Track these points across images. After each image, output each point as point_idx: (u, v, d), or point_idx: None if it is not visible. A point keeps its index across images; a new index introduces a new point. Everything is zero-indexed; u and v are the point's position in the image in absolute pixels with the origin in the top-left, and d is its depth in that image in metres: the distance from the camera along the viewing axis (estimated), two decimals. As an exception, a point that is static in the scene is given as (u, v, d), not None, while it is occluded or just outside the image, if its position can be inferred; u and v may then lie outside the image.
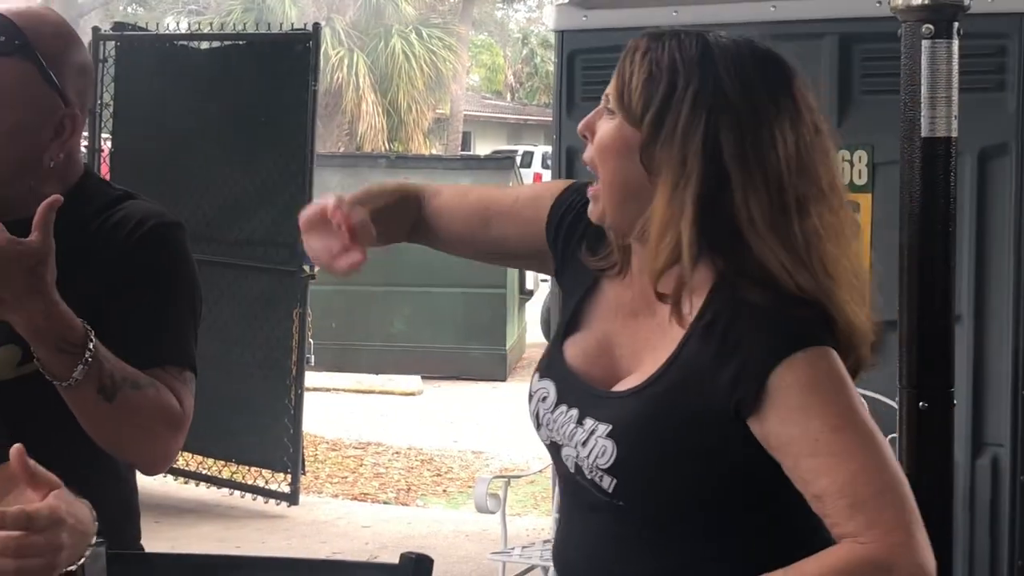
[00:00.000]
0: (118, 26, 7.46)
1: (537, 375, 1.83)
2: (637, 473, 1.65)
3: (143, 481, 6.31)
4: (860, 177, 4.62)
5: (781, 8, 4.54)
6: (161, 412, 2.03)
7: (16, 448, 1.61)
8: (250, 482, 7.10)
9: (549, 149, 14.69)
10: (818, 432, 1.54)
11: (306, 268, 6.70)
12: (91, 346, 1.94)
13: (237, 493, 7.12)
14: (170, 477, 7.25)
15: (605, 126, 1.68)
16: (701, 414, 1.61)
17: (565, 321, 1.83)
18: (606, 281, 1.80)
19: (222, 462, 7.15)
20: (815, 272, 1.61)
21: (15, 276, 1.87)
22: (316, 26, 6.89)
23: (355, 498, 7.64)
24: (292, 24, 19.96)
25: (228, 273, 6.92)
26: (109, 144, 7.33)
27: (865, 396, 4.65)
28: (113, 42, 7.27)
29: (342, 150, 19.94)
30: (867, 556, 1.50)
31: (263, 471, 7.03)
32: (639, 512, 1.70)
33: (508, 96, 37.52)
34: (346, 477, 8.15)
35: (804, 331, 1.58)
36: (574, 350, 1.79)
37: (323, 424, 9.20)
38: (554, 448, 1.78)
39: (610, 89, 1.68)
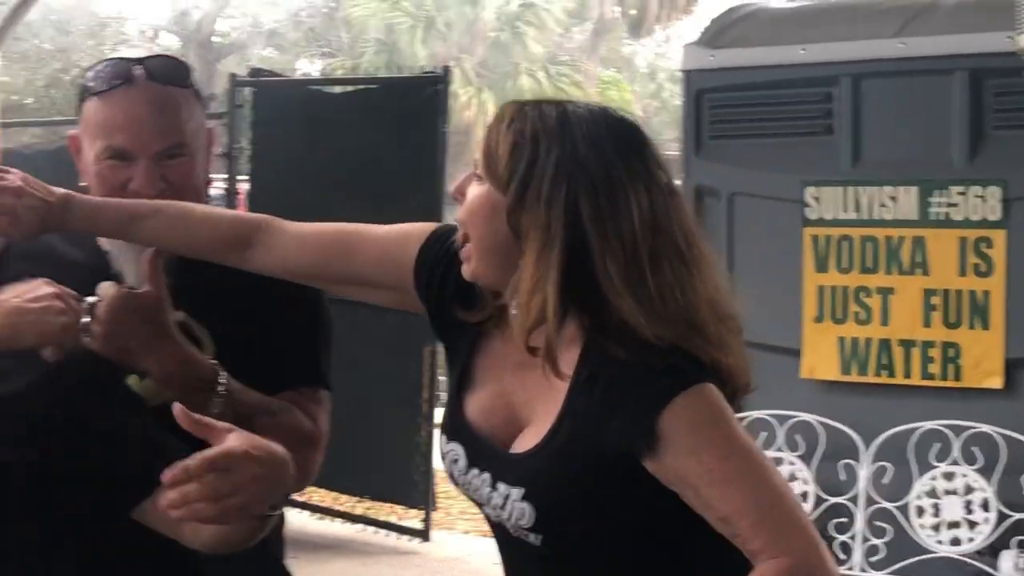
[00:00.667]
0: (254, 72, 7.66)
1: (444, 437, 1.87)
2: (558, 526, 1.73)
3: (280, 517, 6.31)
4: (993, 213, 4.56)
5: (911, 45, 4.51)
6: (296, 435, 2.09)
7: (177, 407, 1.73)
8: (383, 518, 7.19)
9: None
10: (709, 463, 1.64)
11: (438, 309, 6.78)
12: (222, 381, 2.03)
13: (371, 529, 7.22)
14: (306, 513, 7.38)
15: (474, 190, 1.74)
16: (599, 462, 1.68)
17: (457, 378, 1.87)
18: (488, 335, 1.85)
19: (356, 498, 7.25)
20: (672, 322, 1.68)
21: (138, 326, 1.97)
22: (446, 68, 7.00)
23: (486, 534, 7.61)
24: (422, 64, 20.30)
25: (361, 311, 7.00)
26: (247, 186, 7.51)
27: (1003, 433, 4.58)
28: (249, 88, 7.46)
29: (471, 188, 20.13)
30: (787, 567, 1.60)
31: (396, 507, 7.12)
32: (568, 558, 1.78)
33: (636, 131, 37.41)
34: (477, 513, 8.16)
35: (678, 376, 1.66)
36: (473, 407, 1.83)
37: (454, 461, 9.26)
38: (477, 504, 1.83)
39: (478, 156, 1.75)
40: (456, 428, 1.84)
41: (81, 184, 2.27)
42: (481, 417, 1.83)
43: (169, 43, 25.57)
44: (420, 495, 6.99)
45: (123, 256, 2.17)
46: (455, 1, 21.63)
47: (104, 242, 2.29)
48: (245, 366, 2.12)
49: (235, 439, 1.68)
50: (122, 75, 2.15)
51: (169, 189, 2.15)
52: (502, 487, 1.75)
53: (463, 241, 1.77)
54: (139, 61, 2.18)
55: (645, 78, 36.51)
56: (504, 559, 1.93)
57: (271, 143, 7.43)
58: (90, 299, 2.00)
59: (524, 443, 1.76)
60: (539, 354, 1.71)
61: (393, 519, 7.15)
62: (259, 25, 24.51)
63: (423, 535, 7.03)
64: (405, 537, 7.06)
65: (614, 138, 1.74)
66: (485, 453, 1.80)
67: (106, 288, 2.02)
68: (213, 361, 2.06)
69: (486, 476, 1.78)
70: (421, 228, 1.92)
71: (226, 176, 7.43)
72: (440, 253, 1.88)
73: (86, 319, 1.99)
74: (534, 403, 1.77)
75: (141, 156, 2.13)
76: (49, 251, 2.29)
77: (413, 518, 7.09)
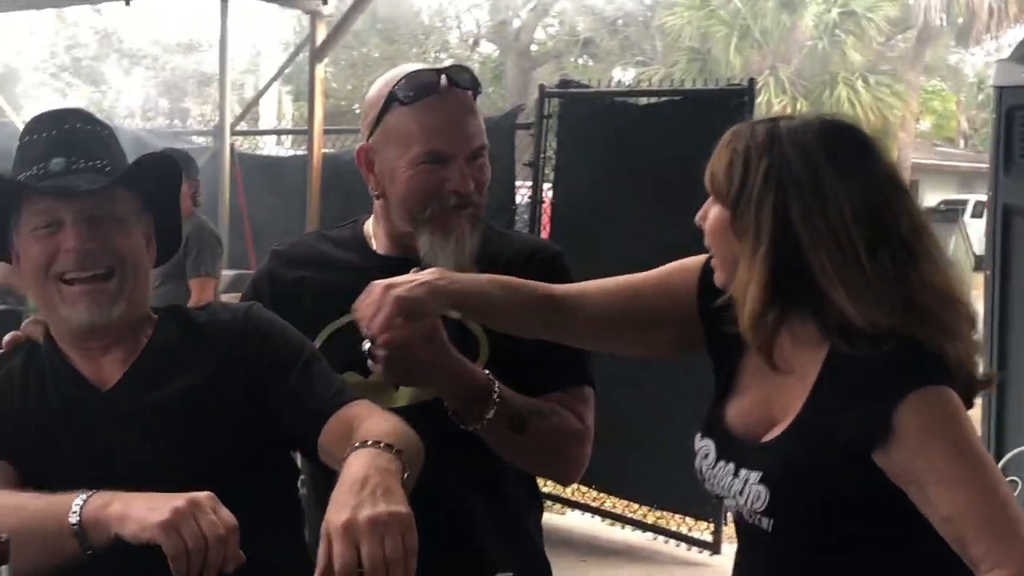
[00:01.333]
0: (563, 83, 7.80)
1: (699, 434, 2.04)
2: (789, 512, 1.86)
3: (572, 522, 6.58)
4: None
5: None
6: (565, 434, 2.26)
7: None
8: (674, 528, 7.21)
9: (982, 197, 14.06)
10: (939, 462, 1.74)
11: (734, 318, 6.75)
12: (496, 391, 2.14)
13: (661, 538, 7.24)
14: (598, 518, 7.47)
15: (712, 210, 1.94)
16: (833, 452, 1.80)
17: (722, 385, 2.04)
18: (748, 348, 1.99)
19: (647, 507, 7.29)
20: (890, 308, 1.80)
21: (421, 349, 2.08)
22: (751, 81, 6.95)
23: (778, 551, 7.58)
24: (736, 72, 20.15)
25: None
26: (550, 195, 7.65)
27: None
28: (557, 99, 7.60)
29: (782, 199, 19.89)
30: None
31: (687, 518, 7.13)
32: (796, 547, 1.89)
33: (961, 143, 36.16)
34: (770, 529, 8.10)
35: (918, 372, 1.77)
36: (732, 410, 2.00)
37: (750, 475, 9.19)
38: (719, 499, 2.00)
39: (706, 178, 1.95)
40: (711, 426, 2.03)
41: (373, 193, 2.41)
42: (738, 418, 1.99)
43: (488, 51, 26.25)
44: (712, 507, 6.97)
45: (439, 255, 2.30)
46: (772, 9, 21.40)
47: (375, 243, 2.42)
48: (515, 369, 2.22)
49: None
50: (431, 83, 2.30)
51: (476, 188, 2.30)
52: (743, 472, 1.91)
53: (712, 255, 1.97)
54: (437, 71, 2.32)
55: (972, 88, 35.13)
56: (738, 556, 2.06)
57: (577, 154, 7.54)
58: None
59: (770, 435, 1.92)
60: (762, 353, 1.89)
61: (683, 530, 7.15)
62: (576, 34, 24.88)
63: (713, 548, 7.01)
64: (695, 548, 7.05)
65: (822, 141, 1.89)
66: (733, 446, 1.96)
67: None
68: (486, 372, 2.17)
69: (730, 466, 1.94)
70: (696, 258, 2.12)
71: (531, 184, 7.59)
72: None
73: (367, 344, 2.11)
74: (788, 404, 1.91)
75: (456, 158, 2.28)
76: (321, 255, 2.44)
77: (703, 530, 7.07)
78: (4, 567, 1.20)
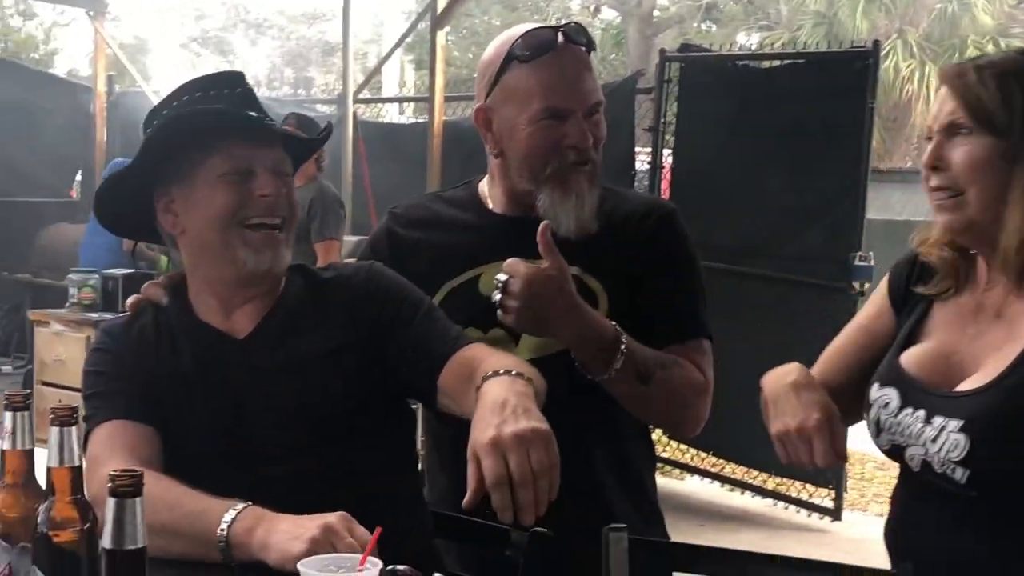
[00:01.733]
0: (683, 47, 7.76)
1: (876, 384, 2.02)
2: (990, 463, 1.82)
3: (691, 487, 6.60)
4: None
5: None
6: (688, 385, 2.31)
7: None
8: (793, 494, 7.18)
9: None
10: None
11: (855, 285, 6.68)
12: (623, 343, 2.18)
13: (780, 504, 7.22)
14: (716, 484, 7.47)
15: (963, 148, 1.88)
16: None
17: (903, 339, 2.04)
18: (938, 303, 2.02)
19: (766, 473, 7.27)
20: None
21: (551, 298, 2.13)
22: (876, 43, 6.85)
23: (901, 519, 7.51)
24: (863, 36, 19.79)
25: (778, 288, 7.04)
26: (671, 160, 7.63)
27: None
28: (678, 63, 7.57)
29: (909, 165, 19.53)
30: None
31: (807, 484, 7.09)
32: (991, 501, 1.84)
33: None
34: (892, 497, 8.02)
35: None
36: (909, 360, 1.98)
37: (871, 442, 9.07)
38: (896, 450, 1.97)
39: (957, 114, 1.88)
40: (891, 375, 2.02)
41: (491, 152, 2.45)
42: (917, 367, 1.99)
43: (609, 18, 26.11)
44: (832, 473, 6.93)
45: (560, 212, 2.35)
46: (900, -29, 20.98)
47: (491, 203, 2.46)
48: (633, 323, 2.26)
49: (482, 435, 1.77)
50: (548, 41, 2.34)
51: (594, 144, 2.34)
52: (938, 420, 1.89)
53: (952, 194, 1.92)
54: (554, 29, 2.36)
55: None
56: (904, 511, 2.05)
57: (697, 118, 7.50)
58: (501, 277, 2.17)
59: (969, 385, 1.90)
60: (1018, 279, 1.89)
61: (804, 496, 7.12)
62: (698, -1, 24.63)
63: (834, 514, 6.97)
64: (815, 515, 7.02)
65: None
66: (920, 394, 1.96)
67: (515, 265, 2.19)
68: (613, 324, 2.21)
69: (920, 413, 1.93)
70: (877, 294, 2.19)
71: (651, 150, 7.58)
72: (905, 267, 2.14)
73: (498, 296, 2.17)
74: (982, 358, 1.91)
75: (574, 113, 2.32)
76: (436, 215, 2.49)
77: (824, 496, 7.03)
78: (138, 499, 1.26)
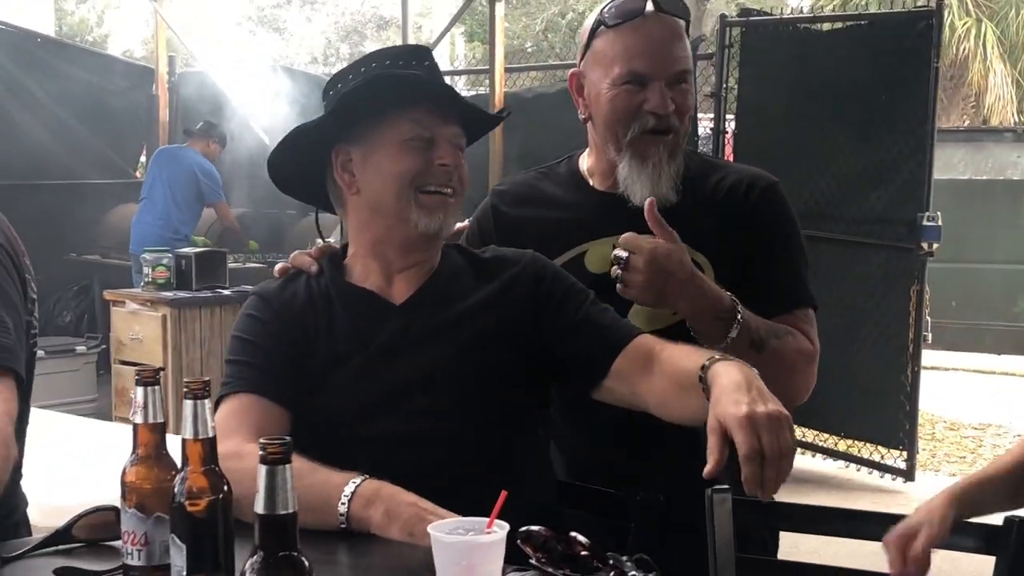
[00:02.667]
0: (743, 12, 7.74)
1: None
2: None
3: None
4: None
5: None
6: (800, 353, 2.35)
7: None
8: (866, 456, 7.19)
9: None
10: None
11: (924, 245, 6.68)
12: (739, 311, 2.23)
13: (853, 466, 7.23)
14: (787, 447, 7.49)
15: None
16: None
17: None
18: None
19: (838, 436, 7.28)
20: None
21: (672, 272, 2.17)
22: (939, 2, 6.81)
23: (973, 478, 7.50)
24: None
25: (846, 250, 7.03)
26: (733, 126, 7.62)
27: None
28: (738, 28, 7.56)
29: (967, 124, 19.34)
30: None
31: (879, 447, 7.10)
32: None
33: None
34: (964, 457, 8.01)
35: None
36: None
37: (941, 403, 9.08)
38: None
39: None
40: None
41: (582, 117, 2.50)
42: None
43: (661, -16, 25.96)
44: (905, 435, 6.94)
45: (635, 181, 2.39)
46: (955, -73, 20.71)
47: (592, 179, 2.50)
48: (742, 293, 2.30)
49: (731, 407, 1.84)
50: (637, 8, 2.38)
51: (676, 113, 2.37)
52: None
53: None
54: None
55: None
56: None
57: (759, 83, 7.49)
58: (620, 253, 2.22)
59: None
60: None
61: (876, 458, 7.13)
62: (750, -38, 24.42)
63: (907, 475, 6.98)
64: (888, 476, 7.04)
65: None
66: None
67: (634, 240, 2.23)
68: (728, 294, 2.25)
69: None
70: None
71: (712, 116, 7.57)
72: None
73: (618, 271, 2.23)
74: None
75: (657, 79, 2.36)
76: (540, 193, 2.54)
77: (896, 457, 7.04)
78: (288, 466, 1.32)
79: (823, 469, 7.31)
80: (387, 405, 2.12)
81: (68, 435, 3.94)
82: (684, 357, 2.05)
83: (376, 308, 2.24)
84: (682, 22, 2.41)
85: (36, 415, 4.33)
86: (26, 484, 2.55)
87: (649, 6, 2.39)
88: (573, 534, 1.64)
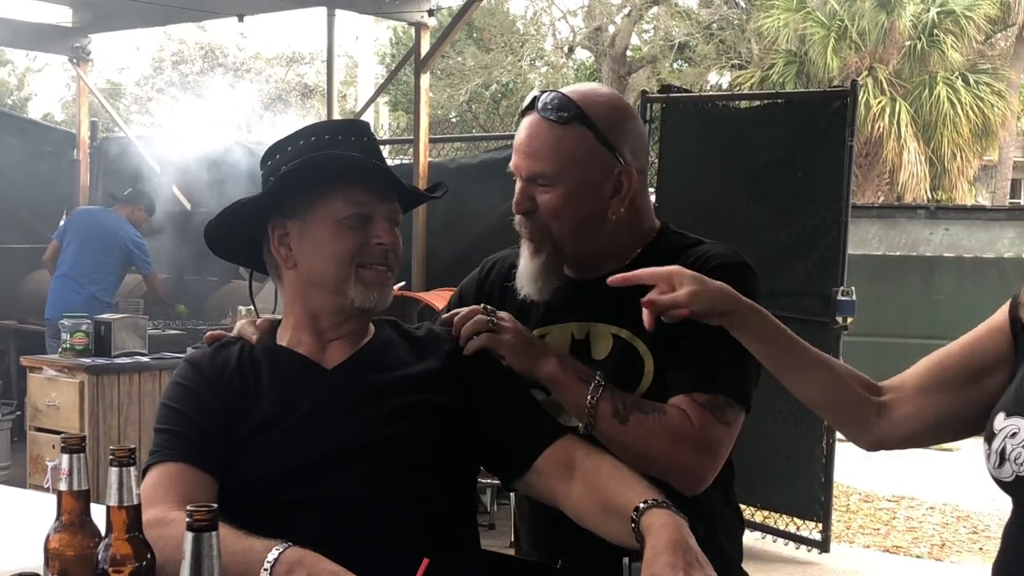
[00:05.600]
0: (664, 88, 7.89)
1: (1002, 414, 2.00)
2: None
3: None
4: None
5: None
6: (667, 431, 2.25)
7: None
8: (781, 527, 7.26)
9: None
10: None
11: (839, 319, 6.79)
12: (599, 377, 2.27)
13: (769, 537, 7.29)
14: (705, 518, 7.53)
15: None
16: None
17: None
18: None
19: (755, 507, 7.35)
20: None
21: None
22: (854, 83, 6.99)
23: (887, 550, 7.61)
24: (833, 75, 20.00)
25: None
26: (653, 199, 7.72)
27: None
28: (659, 104, 7.69)
29: (881, 200, 19.72)
30: None
31: (794, 518, 7.17)
32: None
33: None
34: (878, 529, 8.12)
35: None
36: None
37: (856, 475, 9.19)
38: (1019, 483, 1.94)
39: None
40: (1018, 403, 1.99)
41: None
42: None
43: (583, 58, 26.33)
44: (820, 507, 7.02)
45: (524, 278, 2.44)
46: (869, 10, 21.20)
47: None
48: (665, 363, 2.32)
49: None
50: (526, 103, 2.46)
51: (532, 212, 2.40)
52: None
53: None
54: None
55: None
56: (1016, 545, 2.03)
57: (680, 157, 7.62)
58: (490, 308, 2.32)
59: None
60: None
61: (791, 529, 7.20)
62: (671, 39, 24.87)
63: (822, 546, 7.05)
64: (804, 547, 7.10)
65: None
66: None
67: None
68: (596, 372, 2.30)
69: None
70: (999, 313, 2.15)
71: (635, 189, 7.66)
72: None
73: (488, 318, 2.33)
74: None
75: (519, 176, 2.42)
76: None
77: (812, 529, 7.11)
78: (214, 534, 1.33)
79: (797, 554, 7.33)
80: (313, 470, 2.13)
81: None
82: (612, 481, 2.09)
83: (307, 371, 2.27)
84: (563, 126, 2.38)
85: (-51, 483, 4.27)
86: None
87: (529, 101, 2.44)
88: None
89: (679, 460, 2.26)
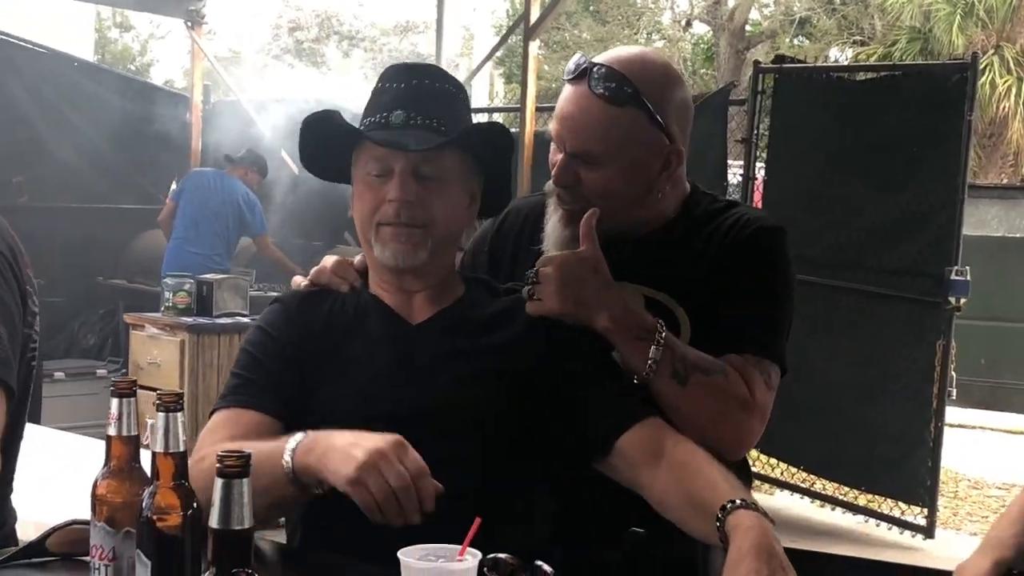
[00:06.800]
0: (777, 59, 7.71)
1: None
2: None
3: (781, 502, 6.55)
4: None
5: None
6: (730, 396, 2.20)
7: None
8: (885, 511, 7.08)
9: None
10: None
11: (951, 300, 6.59)
12: (662, 333, 2.15)
13: (872, 521, 7.12)
14: (807, 500, 7.40)
15: None
16: None
17: None
18: None
19: (859, 490, 7.18)
20: None
21: (585, 279, 2.13)
22: (974, 56, 6.77)
23: (997, 539, 7.39)
24: (958, 52, 19.48)
25: (871, 300, 6.96)
26: (763, 173, 7.58)
27: None
28: (771, 75, 7.52)
29: (1004, 181, 19.21)
30: None
31: (899, 502, 7.00)
32: None
33: None
34: (987, 517, 7.88)
35: None
36: None
37: (965, 461, 8.96)
38: None
39: None
40: None
41: None
42: None
43: (700, 32, 26.03)
44: (925, 491, 6.83)
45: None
46: (998, -14, 20.65)
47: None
48: (701, 326, 2.24)
49: None
50: (570, 69, 2.36)
51: (571, 188, 2.32)
52: None
53: None
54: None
55: None
56: None
57: (790, 130, 7.46)
58: (530, 272, 2.22)
59: None
60: None
61: (896, 513, 7.02)
62: (791, 14, 24.47)
63: (927, 532, 6.86)
64: (908, 533, 6.92)
65: None
66: None
67: (545, 256, 2.25)
68: (654, 317, 2.20)
69: None
70: None
71: (743, 163, 7.54)
72: None
73: (527, 288, 2.21)
74: None
75: (561, 150, 2.34)
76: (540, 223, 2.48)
77: (916, 514, 6.93)
78: (245, 480, 1.27)
79: (841, 523, 7.21)
80: (383, 427, 2.06)
81: (83, 456, 3.91)
82: (701, 476, 2.01)
83: (392, 324, 2.24)
84: (616, 107, 2.28)
85: (50, 435, 4.33)
86: (29, 502, 2.52)
87: (575, 66, 2.34)
88: (539, 563, 1.59)
89: (733, 423, 2.23)
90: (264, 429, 2.10)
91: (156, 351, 7.00)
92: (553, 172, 2.33)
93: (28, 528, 2.54)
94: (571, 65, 2.34)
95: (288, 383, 2.17)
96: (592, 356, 2.23)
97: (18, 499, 2.43)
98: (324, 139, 2.25)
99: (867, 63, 9.41)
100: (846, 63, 14.18)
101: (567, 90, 2.33)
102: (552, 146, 2.36)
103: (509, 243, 2.53)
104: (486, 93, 17.62)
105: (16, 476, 2.40)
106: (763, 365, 2.26)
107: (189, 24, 10.39)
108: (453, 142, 2.19)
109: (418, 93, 2.21)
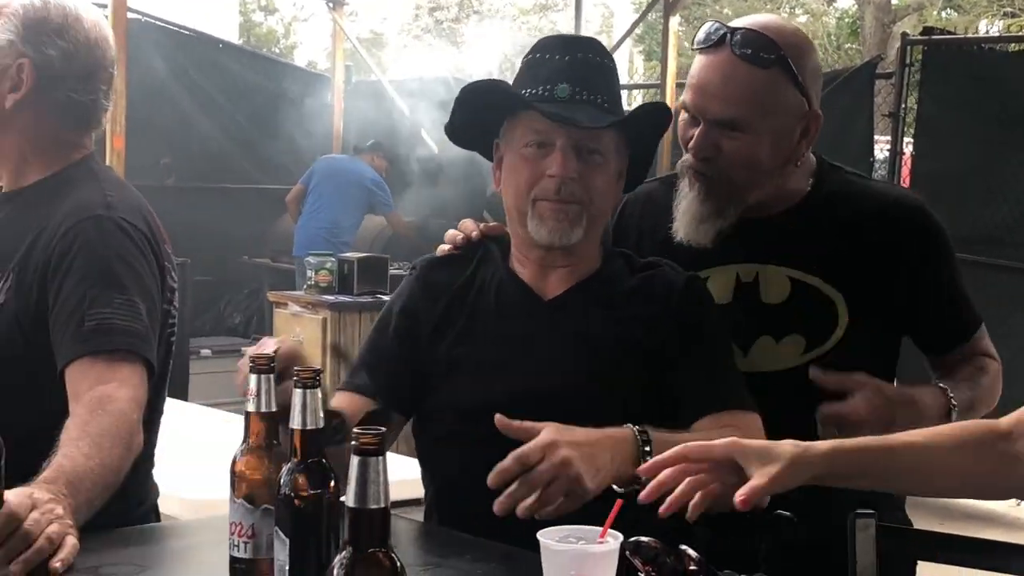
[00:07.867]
0: (926, 31, 7.52)
1: None
2: None
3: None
4: None
5: None
6: (995, 380, 2.37)
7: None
8: (1038, 496, 6.89)
9: None
10: None
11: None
12: (953, 406, 2.25)
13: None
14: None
15: None
16: None
17: None
18: None
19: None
20: None
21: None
22: None
23: None
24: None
25: (1003, 276, 6.77)
26: (910, 148, 7.40)
27: None
28: (920, 47, 7.33)
29: None
30: None
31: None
32: None
33: None
34: None
35: None
36: None
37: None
38: None
39: None
40: None
41: None
42: None
43: (845, 5, 25.52)
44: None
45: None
46: None
47: None
48: (860, 309, 2.28)
49: (545, 433, 1.81)
50: (708, 37, 2.27)
51: (710, 158, 2.23)
52: None
53: None
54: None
55: None
56: None
57: (939, 104, 7.27)
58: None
59: None
60: None
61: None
62: (941, -15, 23.84)
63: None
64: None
65: None
66: None
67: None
68: (939, 391, 2.28)
69: None
70: None
71: (890, 137, 7.36)
72: None
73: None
74: None
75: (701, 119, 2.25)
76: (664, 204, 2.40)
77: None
78: (381, 458, 1.25)
79: (991, 506, 7.02)
80: (508, 403, 2.01)
81: (228, 432, 3.97)
82: None
83: (525, 300, 2.22)
84: (763, 70, 2.20)
85: (196, 411, 4.40)
86: (171, 477, 2.55)
87: (708, 35, 2.26)
88: (684, 547, 1.55)
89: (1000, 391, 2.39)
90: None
91: (299, 328, 7.08)
92: (691, 145, 2.25)
93: (171, 503, 2.57)
94: (701, 34, 2.27)
95: (403, 370, 2.19)
96: (711, 343, 2.19)
97: (161, 474, 2.46)
98: (479, 111, 2.22)
99: (1019, 34, 9.10)
100: (996, 35, 13.75)
101: (702, 59, 2.25)
102: (683, 121, 2.28)
103: (632, 232, 2.46)
104: (625, 71, 17.53)
105: (161, 451, 2.43)
106: (982, 330, 2.39)
107: (331, 5, 10.48)
108: (623, 123, 2.16)
109: (581, 66, 2.17)
